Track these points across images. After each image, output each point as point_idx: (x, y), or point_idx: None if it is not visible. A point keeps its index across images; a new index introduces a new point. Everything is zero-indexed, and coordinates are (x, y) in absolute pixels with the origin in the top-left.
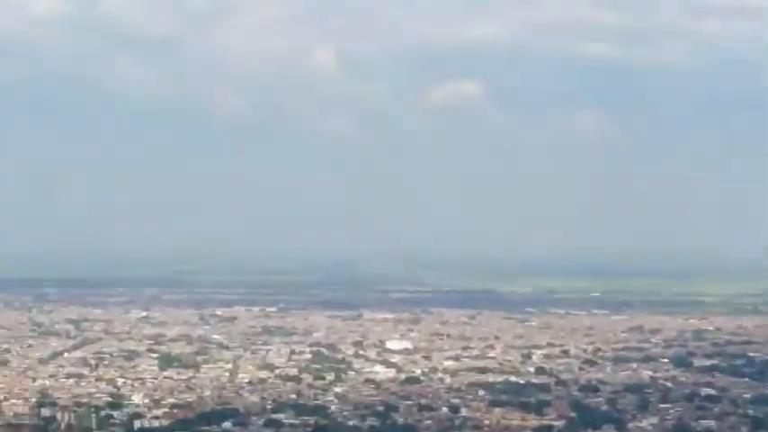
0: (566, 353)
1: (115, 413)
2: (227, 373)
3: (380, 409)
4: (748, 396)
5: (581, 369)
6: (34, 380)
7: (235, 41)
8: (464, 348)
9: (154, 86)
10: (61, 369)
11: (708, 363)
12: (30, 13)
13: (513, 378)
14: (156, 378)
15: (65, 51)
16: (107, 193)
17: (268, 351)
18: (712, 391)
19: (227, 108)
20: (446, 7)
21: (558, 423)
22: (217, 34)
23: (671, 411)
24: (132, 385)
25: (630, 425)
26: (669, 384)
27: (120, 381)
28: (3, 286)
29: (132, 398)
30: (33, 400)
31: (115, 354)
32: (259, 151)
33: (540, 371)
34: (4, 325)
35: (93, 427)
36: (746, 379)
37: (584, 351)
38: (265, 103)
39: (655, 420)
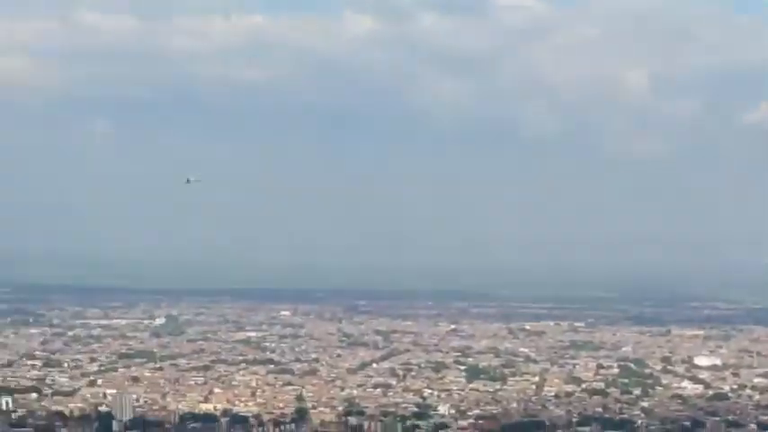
0: None
1: (421, 423)
2: (534, 386)
3: (687, 424)
4: None
5: None
6: (342, 389)
7: (548, 60)
8: None
9: (464, 104)
10: (369, 379)
11: None
12: (346, 33)
13: None
14: (462, 390)
15: (379, 70)
16: (412, 207)
17: (575, 365)
18: None
19: (536, 126)
20: (760, 28)
21: None
22: (530, 53)
23: None
24: (439, 396)
25: None
26: None
27: (426, 391)
28: (315, 298)
29: (438, 408)
30: (341, 408)
31: (423, 365)
32: (565, 171)
33: None
34: (315, 335)
35: None
36: None
37: None
38: (576, 122)
39: None
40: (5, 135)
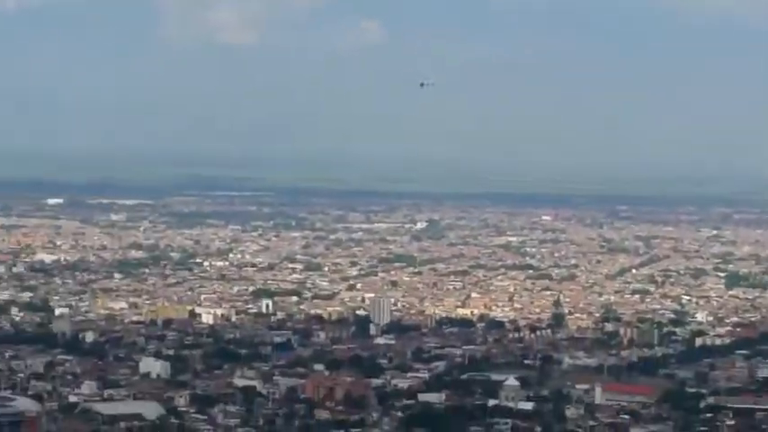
0: None
1: (677, 330)
2: None
3: None
4: None
5: None
6: (600, 295)
7: None
8: None
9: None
10: (627, 285)
11: None
12: None
13: None
14: (721, 296)
15: None
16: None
17: None
18: None
19: None
20: None
21: None
22: None
23: None
24: (697, 303)
25: None
26: None
27: (684, 298)
28: (576, 203)
29: (696, 315)
30: (598, 314)
31: (682, 271)
32: None
33: None
34: (575, 241)
35: (655, 342)
36: None
37: None
38: None
39: None
40: (269, 37)
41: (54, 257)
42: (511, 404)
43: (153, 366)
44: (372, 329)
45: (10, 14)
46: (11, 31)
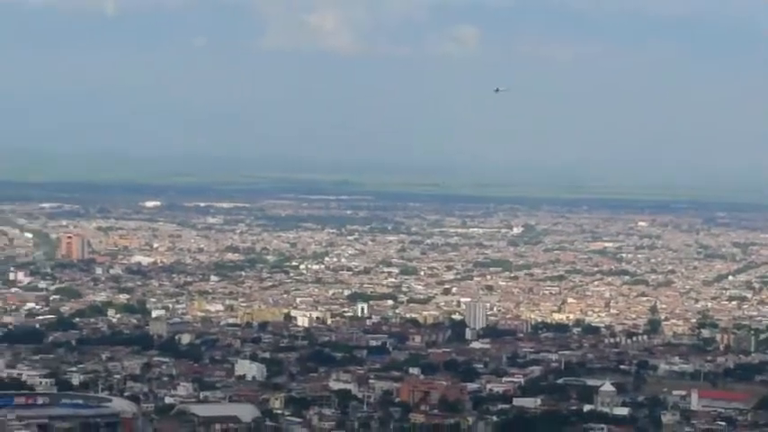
0: None
1: None
2: None
3: None
4: None
5: None
6: (696, 301)
7: None
8: None
9: None
10: (724, 292)
11: None
12: None
13: None
14: None
15: None
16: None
17: None
18: None
19: None
20: None
21: None
22: None
23: None
24: None
25: None
26: None
27: None
28: (673, 209)
29: None
30: (694, 320)
31: None
32: None
33: None
34: (672, 247)
35: (752, 349)
36: None
37: None
38: None
39: None
40: (368, 43)
41: (151, 260)
42: (606, 410)
43: (248, 369)
44: (468, 334)
45: (109, 19)
46: (110, 35)
